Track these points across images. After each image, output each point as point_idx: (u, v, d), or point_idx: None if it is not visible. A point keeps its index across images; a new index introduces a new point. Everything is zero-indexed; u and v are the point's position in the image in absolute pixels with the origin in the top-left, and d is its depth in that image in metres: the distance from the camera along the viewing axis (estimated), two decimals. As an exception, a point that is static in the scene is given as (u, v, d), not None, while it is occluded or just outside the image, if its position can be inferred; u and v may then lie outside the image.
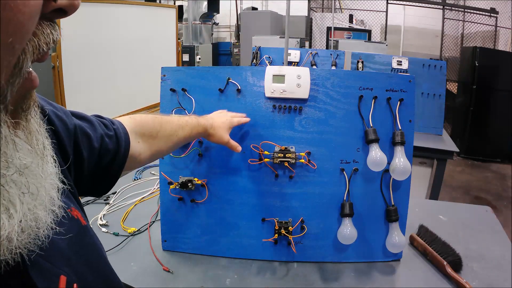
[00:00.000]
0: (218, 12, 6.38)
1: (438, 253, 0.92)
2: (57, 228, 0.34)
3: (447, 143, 2.18)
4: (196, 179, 0.94)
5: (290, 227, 0.92)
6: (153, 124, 0.70)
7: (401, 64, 2.24)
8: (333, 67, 2.28)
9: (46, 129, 0.35)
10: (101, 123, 0.58)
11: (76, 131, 0.51)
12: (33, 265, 0.32)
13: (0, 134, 0.25)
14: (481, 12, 5.55)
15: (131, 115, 0.70)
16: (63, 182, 0.44)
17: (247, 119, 0.89)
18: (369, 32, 4.90)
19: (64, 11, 0.28)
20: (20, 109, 0.28)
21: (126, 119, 0.67)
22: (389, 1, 5.88)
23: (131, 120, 0.67)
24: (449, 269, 0.87)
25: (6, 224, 0.25)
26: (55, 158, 0.35)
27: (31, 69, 0.28)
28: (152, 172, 1.47)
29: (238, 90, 0.93)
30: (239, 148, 0.85)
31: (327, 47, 4.85)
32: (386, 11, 5.92)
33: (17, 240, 0.26)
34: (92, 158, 0.54)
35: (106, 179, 0.59)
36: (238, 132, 0.92)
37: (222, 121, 0.82)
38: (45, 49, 0.27)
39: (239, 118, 0.87)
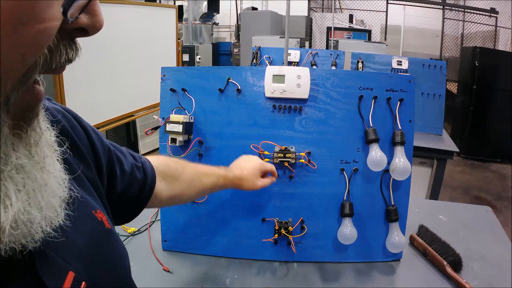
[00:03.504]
0: (218, 12, 6.39)
1: (438, 253, 0.92)
2: (74, 225, 0.35)
3: (447, 143, 2.18)
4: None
5: (290, 227, 0.92)
6: (175, 166, 0.72)
7: (401, 64, 2.24)
8: (333, 67, 2.28)
9: (60, 138, 0.35)
10: (130, 154, 0.61)
11: (111, 151, 0.53)
12: (42, 259, 0.33)
13: (0, 132, 0.25)
14: (481, 12, 5.56)
15: (156, 155, 0.73)
16: (93, 185, 0.46)
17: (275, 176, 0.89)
18: (369, 32, 4.90)
19: (86, 31, 0.28)
20: (21, 121, 0.28)
21: (151, 157, 0.69)
22: (389, 1, 5.88)
23: (154, 158, 0.69)
24: (449, 269, 0.87)
25: (2, 214, 0.26)
26: (71, 167, 0.36)
27: (39, 82, 0.28)
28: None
29: (238, 90, 0.93)
30: (274, 179, 0.87)
31: (327, 47, 4.85)
32: (386, 11, 5.92)
33: (9, 233, 0.27)
34: (124, 180, 0.55)
35: (130, 209, 0.60)
36: (238, 131, 0.92)
37: (252, 167, 0.82)
38: (53, 66, 0.27)
39: (272, 166, 0.88)
